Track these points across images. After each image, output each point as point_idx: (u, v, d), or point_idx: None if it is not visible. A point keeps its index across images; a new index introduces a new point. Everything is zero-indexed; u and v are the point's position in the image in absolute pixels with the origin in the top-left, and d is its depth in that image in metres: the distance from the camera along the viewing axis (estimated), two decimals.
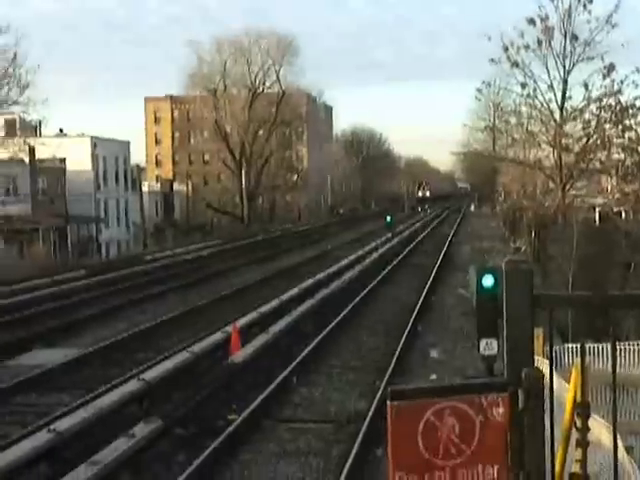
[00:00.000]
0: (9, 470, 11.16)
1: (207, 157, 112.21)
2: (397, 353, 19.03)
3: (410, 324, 22.60)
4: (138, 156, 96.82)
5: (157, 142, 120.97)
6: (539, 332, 3.87)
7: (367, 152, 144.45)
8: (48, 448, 12.02)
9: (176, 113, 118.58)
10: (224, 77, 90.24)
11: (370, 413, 14.00)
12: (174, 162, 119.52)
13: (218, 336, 19.38)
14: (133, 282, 33.96)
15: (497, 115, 50.34)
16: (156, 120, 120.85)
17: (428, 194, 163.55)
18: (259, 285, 31.83)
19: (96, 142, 73.10)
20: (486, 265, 14.54)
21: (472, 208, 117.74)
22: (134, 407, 14.88)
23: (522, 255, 38.62)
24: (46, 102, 51.86)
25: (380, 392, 14.90)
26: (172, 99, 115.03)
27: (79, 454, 12.10)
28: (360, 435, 12.93)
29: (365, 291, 28.25)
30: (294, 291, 26.75)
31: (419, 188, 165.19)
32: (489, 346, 11.02)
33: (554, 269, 35.17)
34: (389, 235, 52.42)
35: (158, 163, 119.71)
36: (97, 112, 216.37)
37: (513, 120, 45.78)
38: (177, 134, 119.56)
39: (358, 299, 26.84)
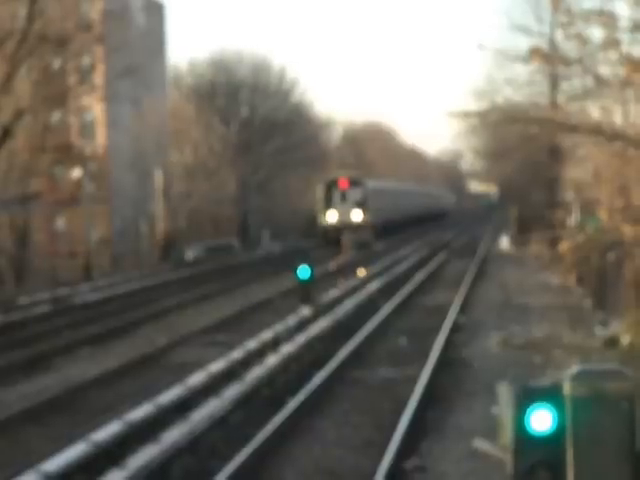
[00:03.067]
0: None
1: None
2: None
3: None
4: None
5: None
6: None
7: (251, 109, 76.94)
8: None
9: None
10: None
11: None
12: None
13: None
14: None
15: (558, 23, 24.31)
16: None
17: (360, 216, 66.06)
18: None
19: None
20: (535, 382, 6.39)
21: (504, 244, 61.41)
22: None
23: (624, 355, 20.29)
24: None
25: None
26: None
27: None
28: None
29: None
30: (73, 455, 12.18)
31: (328, 202, 66.18)
32: None
33: None
34: (305, 312, 26.83)
35: None
36: None
37: (596, 33, 20.14)
38: None
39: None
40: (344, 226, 64.30)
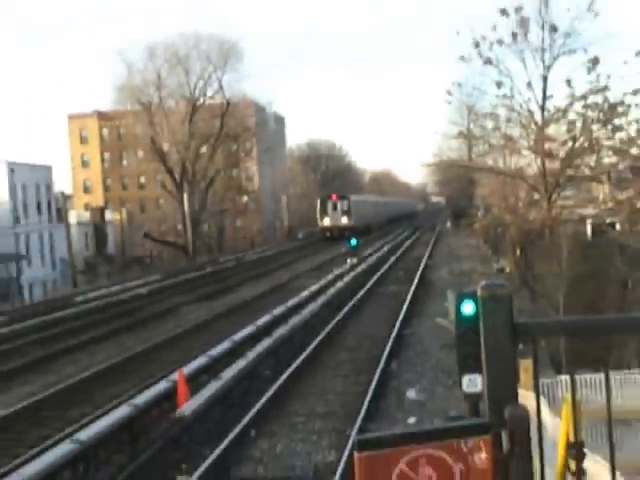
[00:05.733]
0: None
1: (143, 180, 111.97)
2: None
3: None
4: (63, 182, 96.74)
5: (85, 165, 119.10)
6: (528, 364, 3.81)
7: (326, 167, 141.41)
8: None
9: (105, 131, 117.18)
10: (159, 88, 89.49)
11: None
12: (105, 187, 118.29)
13: (162, 386, 19.21)
14: (62, 328, 33.59)
15: (471, 119, 49.41)
16: (82, 140, 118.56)
17: (345, 221, 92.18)
18: (208, 325, 31.72)
19: (13, 168, 72.31)
20: (465, 290, 13.98)
21: (448, 225, 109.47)
22: (68, 473, 14.69)
23: (506, 276, 38.64)
24: None
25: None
26: (100, 115, 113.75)
27: None
28: None
29: (331, 324, 28.79)
30: (249, 330, 26.67)
31: (324, 211, 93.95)
32: (472, 383, 11.07)
33: (543, 291, 35.39)
34: (354, 260, 52.38)
35: (87, 189, 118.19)
36: (14, 135, 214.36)
37: (489, 124, 45.29)
38: (107, 155, 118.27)
39: (324, 333, 27.23)
40: (335, 228, 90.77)
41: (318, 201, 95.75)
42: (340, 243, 73.42)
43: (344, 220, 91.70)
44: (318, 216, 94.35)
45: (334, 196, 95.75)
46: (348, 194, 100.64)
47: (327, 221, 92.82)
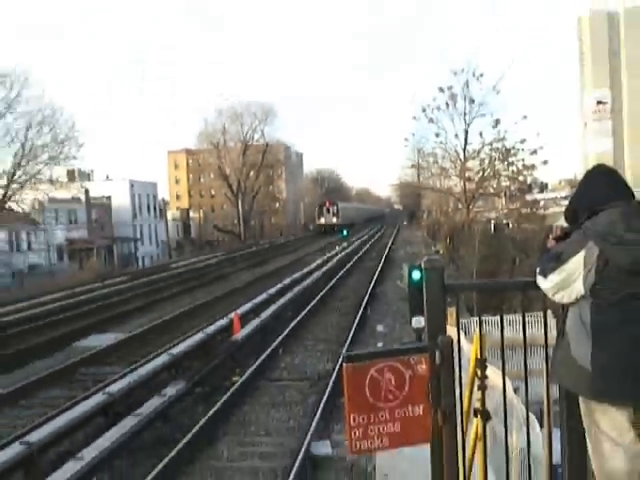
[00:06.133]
0: (74, 423, 11.00)
1: (213, 192, 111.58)
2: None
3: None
4: (163, 193, 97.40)
5: (177, 182, 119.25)
6: (452, 310, 3.83)
7: (328, 185, 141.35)
8: (103, 407, 11.86)
9: (190, 161, 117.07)
10: (224, 134, 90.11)
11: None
12: (189, 196, 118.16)
13: (224, 321, 19.24)
14: (162, 284, 33.62)
15: (420, 156, 49.85)
16: (176, 167, 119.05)
17: (335, 220, 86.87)
18: (253, 283, 31.70)
19: (133, 184, 72.80)
20: (414, 263, 13.92)
21: (404, 223, 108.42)
22: (165, 374, 14.75)
23: (440, 256, 38.71)
24: (93, 155, 52.41)
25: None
26: (187, 151, 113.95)
27: (130, 408, 11.95)
28: None
29: (332, 281, 29.11)
30: (278, 287, 26.60)
31: (320, 213, 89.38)
32: (418, 321, 11.37)
33: (463, 264, 35.33)
34: (344, 245, 51.80)
35: (178, 198, 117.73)
36: (133, 161, 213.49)
37: (431, 160, 46.15)
38: (191, 176, 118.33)
39: (327, 287, 27.30)
40: (328, 225, 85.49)
41: (317, 207, 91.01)
42: (333, 235, 72.47)
43: (334, 220, 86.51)
44: (316, 216, 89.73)
45: (327, 202, 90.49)
46: (337, 201, 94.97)
47: (322, 220, 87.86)
